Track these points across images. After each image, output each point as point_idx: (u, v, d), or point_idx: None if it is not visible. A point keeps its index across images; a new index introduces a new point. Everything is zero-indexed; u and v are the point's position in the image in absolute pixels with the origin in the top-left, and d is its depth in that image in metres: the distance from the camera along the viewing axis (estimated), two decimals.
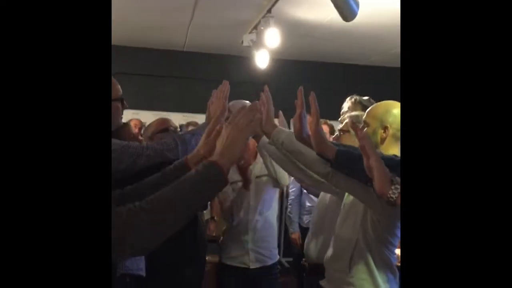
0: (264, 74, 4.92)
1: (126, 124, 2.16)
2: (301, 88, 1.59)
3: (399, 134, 1.60)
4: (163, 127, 2.31)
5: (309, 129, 1.55)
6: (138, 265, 1.96)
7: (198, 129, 1.92)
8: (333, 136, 2.14)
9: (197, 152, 1.40)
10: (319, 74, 6.05)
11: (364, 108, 2.25)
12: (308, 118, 1.56)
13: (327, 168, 1.52)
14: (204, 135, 1.44)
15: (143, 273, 2.02)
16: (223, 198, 2.38)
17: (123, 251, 0.98)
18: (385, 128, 1.63)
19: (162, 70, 6.07)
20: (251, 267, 2.41)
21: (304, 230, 3.78)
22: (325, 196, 2.17)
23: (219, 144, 1.13)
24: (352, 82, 5.85)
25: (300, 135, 1.60)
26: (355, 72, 6.26)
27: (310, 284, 2.26)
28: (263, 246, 2.45)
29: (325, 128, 3.69)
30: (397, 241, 1.67)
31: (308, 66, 6.15)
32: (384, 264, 1.65)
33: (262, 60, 4.90)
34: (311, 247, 2.20)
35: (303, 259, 2.30)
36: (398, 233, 1.63)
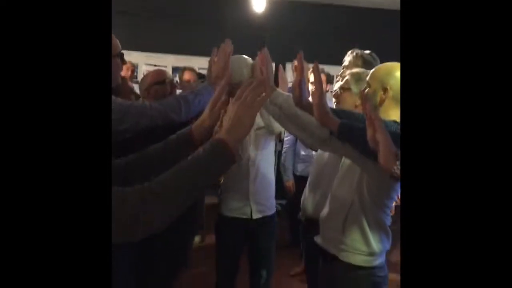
0: (261, 17, 4.75)
1: (124, 80, 2.08)
2: (301, 52, 1.54)
3: (399, 96, 1.58)
4: (160, 79, 2.26)
5: (311, 97, 1.51)
6: None
7: (201, 89, 1.87)
8: (333, 93, 2.06)
9: (202, 123, 1.37)
10: (318, 18, 5.85)
11: (365, 63, 2.18)
12: (311, 88, 1.50)
13: (326, 133, 1.51)
14: (209, 105, 1.40)
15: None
16: None
17: (135, 233, 0.98)
18: (385, 90, 1.60)
19: (154, 9, 5.83)
20: (253, 217, 2.43)
21: (298, 179, 3.80)
22: (324, 153, 2.14)
23: (226, 121, 1.10)
24: (353, 26, 5.68)
25: (299, 102, 1.56)
26: (356, 15, 6.06)
27: (306, 239, 2.28)
28: (263, 197, 2.47)
29: (322, 77, 3.60)
30: (392, 203, 1.70)
31: (307, 9, 5.93)
32: (378, 225, 1.69)
33: (258, 2, 4.71)
34: (308, 202, 2.21)
35: (300, 213, 2.30)
36: (394, 196, 1.65)
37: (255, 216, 2.43)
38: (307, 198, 2.23)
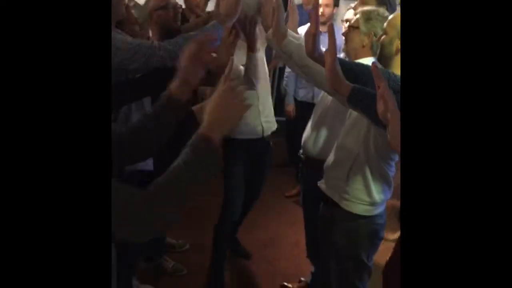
0: None
1: (128, 9, 2.02)
2: (317, 2, 1.51)
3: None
4: (162, 3, 2.22)
5: (323, 54, 1.44)
6: (146, 163, 2.03)
7: (209, 28, 1.84)
8: (343, 31, 2.02)
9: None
10: None
11: (380, 0, 2.12)
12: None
13: None
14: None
15: (151, 168, 2.10)
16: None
17: (143, 234, 1.04)
18: (398, 38, 1.58)
19: None
20: (265, 135, 2.55)
21: (298, 104, 3.81)
22: (328, 96, 2.13)
23: (207, 114, 1.07)
24: None
25: (312, 54, 1.52)
26: None
27: (305, 175, 2.35)
28: (269, 114, 2.58)
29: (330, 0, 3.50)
30: (397, 157, 1.72)
31: None
32: (381, 176, 1.74)
33: None
34: (310, 141, 2.24)
35: (301, 151, 2.34)
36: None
37: (266, 133, 2.56)
38: (309, 138, 2.25)
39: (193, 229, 3.04)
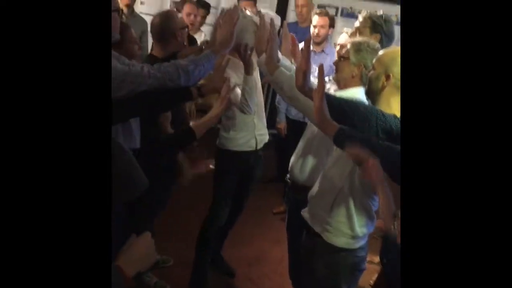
0: None
1: (127, 28, 2.02)
2: (309, 38, 1.55)
3: (399, 83, 1.57)
4: (185, 24, 2.34)
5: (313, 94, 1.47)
6: (132, 141, 2.04)
7: (202, 58, 1.88)
8: (334, 60, 2.04)
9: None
10: None
11: (374, 26, 2.15)
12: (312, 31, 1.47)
13: None
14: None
15: (136, 145, 2.09)
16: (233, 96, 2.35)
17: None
18: (387, 77, 1.60)
19: None
20: (258, 148, 2.63)
21: (290, 122, 3.81)
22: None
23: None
24: None
25: (302, 89, 1.56)
26: None
27: (291, 200, 2.36)
28: (262, 127, 2.66)
29: (324, 20, 3.52)
30: None
31: None
32: (364, 210, 1.75)
33: None
34: (296, 167, 2.25)
35: (288, 175, 2.33)
36: None
37: (259, 146, 2.64)
38: (296, 164, 2.25)
39: (177, 244, 3.01)
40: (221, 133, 2.61)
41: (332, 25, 3.60)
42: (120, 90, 1.72)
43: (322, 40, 3.59)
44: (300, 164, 2.21)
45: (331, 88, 2.15)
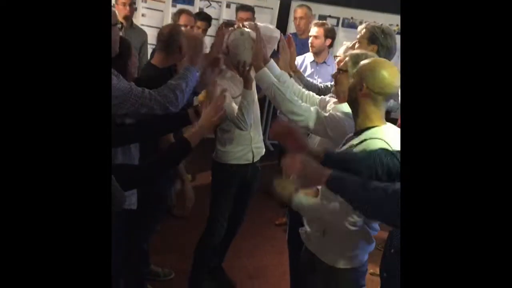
0: None
1: (126, 42, 2.04)
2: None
3: (375, 96, 1.61)
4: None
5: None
6: (130, 201, 2.01)
7: (186, 75, 1.99)
8: (332, 73, 2.09)
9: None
10: None
11: (371, 37, 2.14)
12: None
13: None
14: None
15: (134, 206, 2.09)
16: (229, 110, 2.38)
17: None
18: (361, 87, 1.62)
19: None
20: (255, 160, 2.65)
21: None
22: (315, 138, 2.15)
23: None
24: None
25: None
26: None
27: (292, 215, 2.33)
28: (259, 140, 2.68)
29: (319, 31, 3.52)
30: None
31: None
32: (361, 234, 1.70)
33: None
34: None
35: None
36: None
37: (256, 159, 2.66)
38: None
39: (178, 256, 2.99)
40: (218, 146, 2.60)
41: (329, 36, 3.59)
42: (121, 109, 1.76)
43: (318, 51, 3.59)
44: None
45: (330, 101, 2.15)
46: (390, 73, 1.58)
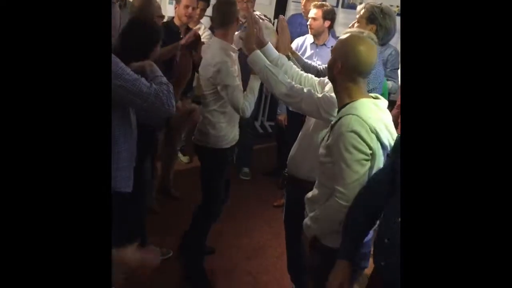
0: None
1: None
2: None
3: (349, 72, 1.61)
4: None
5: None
6: (126, 183, 1.96)
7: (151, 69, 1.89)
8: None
9: None
10: None
11: (370, 17, 2.13)
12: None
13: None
14: None
15: (129, 189, 2.01)
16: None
17: None
18: (337, 64, 1.62)
19: None
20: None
21: (290, 113, 3.78)
22: (310, 120, 2.14)
23: None
24: None
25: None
26: None
27: (289, 193, 2.34)
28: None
29: (318, 13, 3.48)
30: None
31: None
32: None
33: None
34: (293, 161, 2.22)
35: (285, 169, 2.31)
36: None
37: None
38: (293, 157, 2.23)
39: (177, 237, 3.00)
40: (210, 131, 2.57)
41: (328, 17, 3.54)
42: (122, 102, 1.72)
43: (317, 33, 3.55)
44: (297, 158, 2.18)
45: (329, 82, 2.13)
46: (365, 50, 1.58)
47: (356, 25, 2.18)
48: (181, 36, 3.33)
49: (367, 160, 1.59)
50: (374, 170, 1.62)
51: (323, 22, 3.52)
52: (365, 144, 1.56)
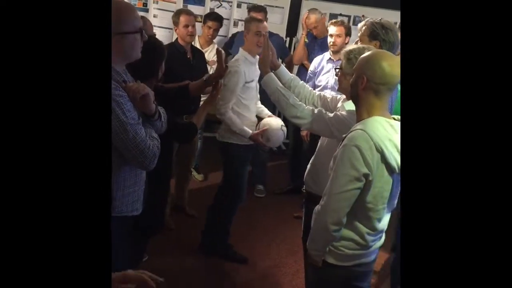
0: None
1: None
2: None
3: (377, 88, 1.60)
4: None
5: None
6: (133, 206, 1.88)
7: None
8: (335, 73, 2.20)
9: None
10: None
11: (372, 33, 2.13)
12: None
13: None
14: None
15: (137, 212, 1.94)
16: None
17: None
18: (362, 80, 1.62)
19: None
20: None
21: None
22: (324, 140, 2.17)
23: None
24: None
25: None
26: None
27: (307, 208, 2.31)
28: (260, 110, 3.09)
29: (340, 30, 3.52)
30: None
31: None
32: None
33: None
34: (309, 179, 2.21)
35: (304, 186, 2.31)
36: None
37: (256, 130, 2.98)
38: (309, 173, 2.23)
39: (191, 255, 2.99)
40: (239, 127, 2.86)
41: (348, 34, 3.60)
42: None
43: (340, 49, 3.57)
44: (314, 174, 2.18)
45: (341, 99, 2.15)
46: (391, 63, 1.58)
47: (359, 43, 2.19)
48: (188, 57, 3.42)
49: (358, 179, 1.56)
50: (376, 190, 1.59)
51: (345, 39, 3.57)
52: (362, 162, 1.53)
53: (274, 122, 2.89)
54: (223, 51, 2.34)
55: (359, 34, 2.25)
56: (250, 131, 2.83)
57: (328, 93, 2.53)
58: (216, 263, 3.08)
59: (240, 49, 2.91)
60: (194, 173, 4.23)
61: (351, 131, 1.61)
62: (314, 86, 3.52)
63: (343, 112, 1.94)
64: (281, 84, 2.13)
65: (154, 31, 3.41)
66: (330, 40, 3.55)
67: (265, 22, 2.93)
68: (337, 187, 1.58)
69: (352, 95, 1.70)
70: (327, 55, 3.67)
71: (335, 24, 3.56)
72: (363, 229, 1.67)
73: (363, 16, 5.08)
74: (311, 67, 3.71)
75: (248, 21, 2.88)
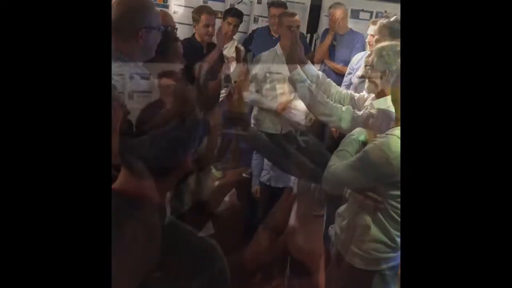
0: None
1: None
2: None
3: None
4: None
5: None
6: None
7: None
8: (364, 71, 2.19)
9: None
10: None
11: (392, 32, 2.10)
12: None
13: None
14: None
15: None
16: None
17: None
18: (398, 74, 1.57)
19: None
20: (282, 132, 3.01)
21: None
22: None
23: None
24: None
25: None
26: None
27: (329, 208, 2.34)
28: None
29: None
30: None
31: None
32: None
33: None
34: None
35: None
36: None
37: (284, 131, 3.04)
38: None
39: None
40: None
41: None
42: None
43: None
44: None
45: (369, 97, 2.11)
46: None
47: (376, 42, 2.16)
48: (204, 52, 3.41)
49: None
50: None
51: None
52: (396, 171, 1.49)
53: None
54: (242, 48, 2.34)
55: (376, 37, 2.21)
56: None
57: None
58: None
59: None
60: (213, 170, 4.23)
61: (388, 135, 1.56)
62: (351, 82, 3.50)
63: (372, 111, 1.91)
64: (308, 81, 2.10)
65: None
66: (369, 39, 3.52)
67: (296, 16, 2.95)
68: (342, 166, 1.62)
69: (392, 95, 1.65)
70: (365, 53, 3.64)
71: (373, 23, 3.52)
72: (393, 231, 1.64)
73: (385, 11, 5.00)
74: (352, 63, 3.67)
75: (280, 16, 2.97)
